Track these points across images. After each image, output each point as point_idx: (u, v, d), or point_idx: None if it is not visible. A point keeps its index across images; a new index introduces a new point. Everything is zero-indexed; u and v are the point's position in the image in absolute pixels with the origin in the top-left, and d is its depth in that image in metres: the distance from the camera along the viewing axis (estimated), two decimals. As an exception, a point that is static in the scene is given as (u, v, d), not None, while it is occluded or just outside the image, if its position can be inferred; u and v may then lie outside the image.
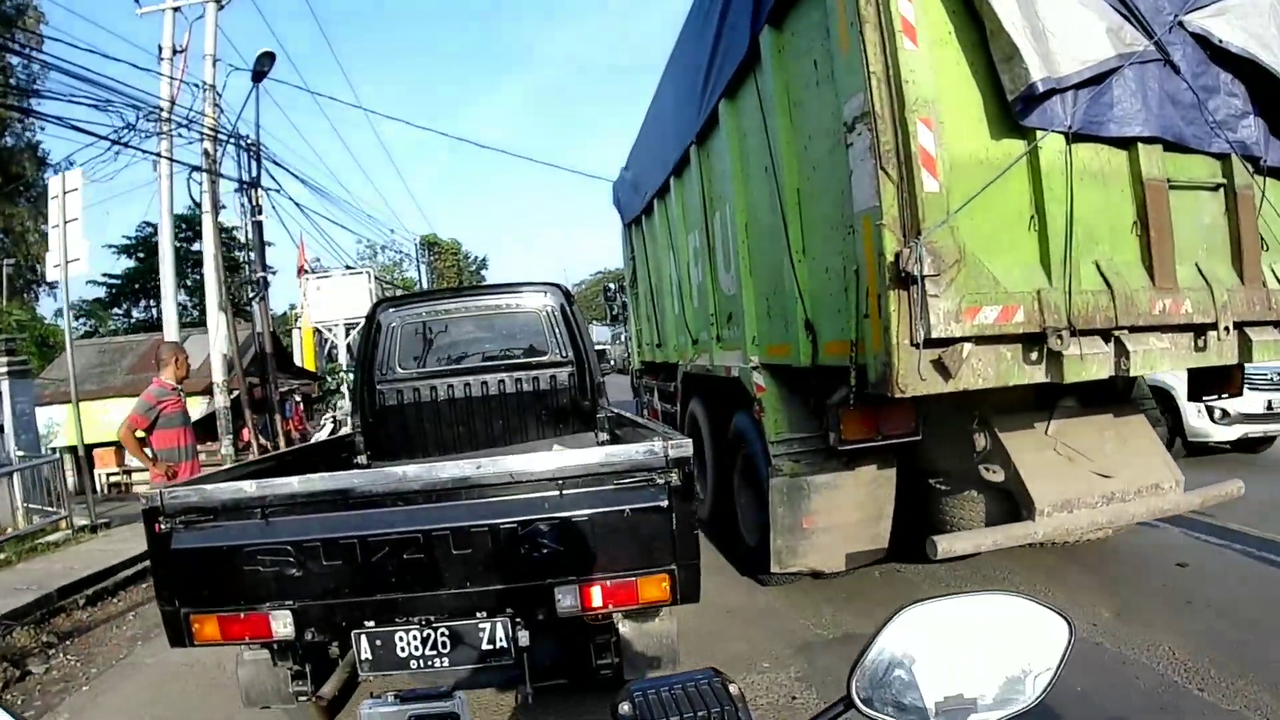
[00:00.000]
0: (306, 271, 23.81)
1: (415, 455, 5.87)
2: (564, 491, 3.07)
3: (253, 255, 15.48)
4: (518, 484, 3.13)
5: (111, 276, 31.47)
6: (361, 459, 5.82)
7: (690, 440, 3.18)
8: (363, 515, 3.07)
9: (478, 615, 3.06)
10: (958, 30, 3.72)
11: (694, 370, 7.48)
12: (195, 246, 16.83)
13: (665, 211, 8.41)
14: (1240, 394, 5.62)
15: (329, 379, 23.15)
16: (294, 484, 3.10)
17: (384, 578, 3.00)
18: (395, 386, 6.08)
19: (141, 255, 29.78)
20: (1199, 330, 4.06)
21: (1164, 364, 4.06)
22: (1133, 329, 3.79)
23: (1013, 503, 4.71)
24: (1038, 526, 4.42)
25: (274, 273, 32.88)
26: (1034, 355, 3.76)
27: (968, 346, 3.51)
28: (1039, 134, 3.70)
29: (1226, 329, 4.02)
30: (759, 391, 5.34)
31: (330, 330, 25.08)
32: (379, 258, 44.56)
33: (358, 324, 16.25)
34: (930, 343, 3.44)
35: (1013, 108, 3.66)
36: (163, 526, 3.02)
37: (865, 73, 3.58)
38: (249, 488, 3.07)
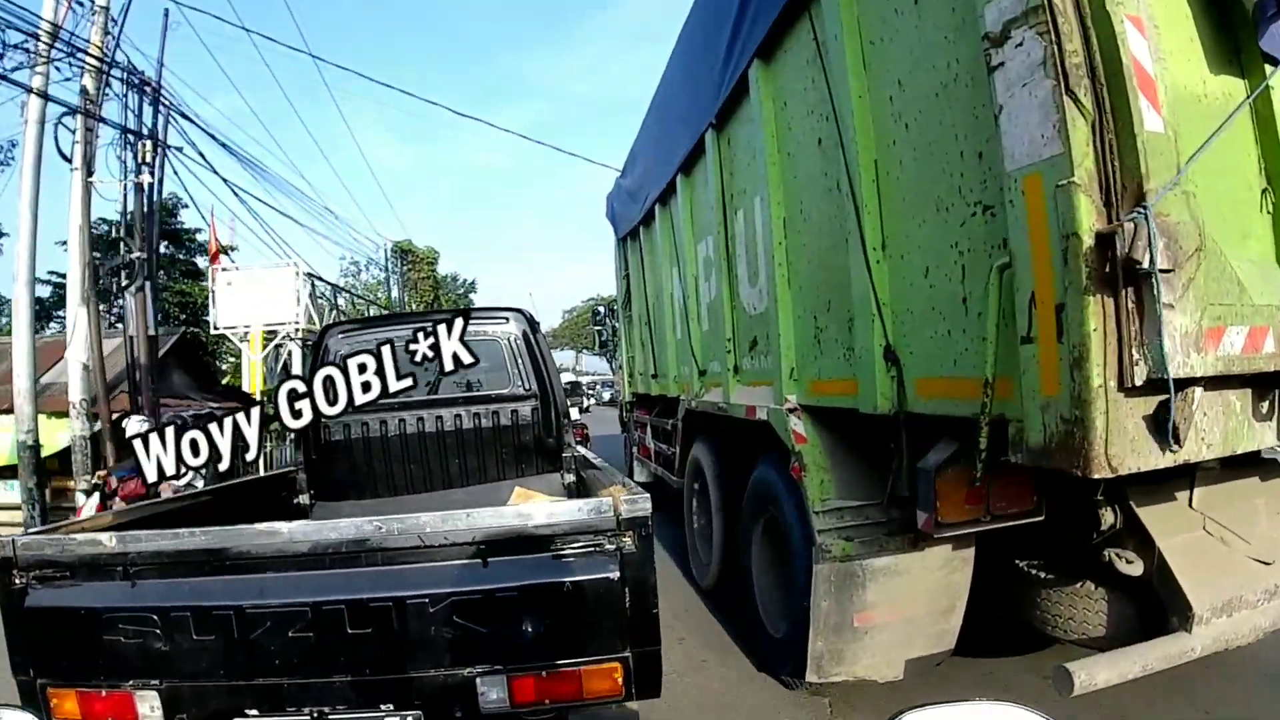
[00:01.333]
0: (225, 254, 18.71)
1: (364, 496, 5.48)
2: (488, 559, 2.61)
3: (135, 231, 11.80)
4: (430, 549, 2.64)
5: (59, 275, 28.00)
6: (303, 498, 5.41)
7: (648, 496, 2.68)
8: (240, 581, 2.63)
9: (383, 708, 2.59)
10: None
11: (700, 408, 6.06)
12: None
13: (669, 218, 7.06)
14: None
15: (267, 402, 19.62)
16: (159, 540, 2.68)
17: (267, 658, 2.56)
18: (342, 420, 5.49)
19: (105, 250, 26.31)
20: None
21: None
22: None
23: (1149, 603, 3.34)
24: (1195, 640, 3.00)
25: (181, 252, 29.27)
26: (1264, 407, 2.36)
27: (1198, 393, 2.10)
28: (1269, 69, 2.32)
29: None
30: (799, 442, 3.96)
31: (288, 339, 20.51)
32: (363, 275, 40.86)
33: (280, 332, 14.75)
34: (1151, 385, 2.02)
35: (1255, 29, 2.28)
36: (16, 581, 2.64)
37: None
38: (108, 541, 2.65)
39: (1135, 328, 2.01)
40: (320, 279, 22.56)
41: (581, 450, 5.59)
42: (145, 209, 11.57)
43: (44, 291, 27.68)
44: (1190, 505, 3.30)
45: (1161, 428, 2.12)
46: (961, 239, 2.71)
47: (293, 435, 9.31)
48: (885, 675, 3.75)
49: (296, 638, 2.51)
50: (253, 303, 15.71)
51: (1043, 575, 3.72)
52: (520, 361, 5.67)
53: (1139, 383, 2.03)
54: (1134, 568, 3.23)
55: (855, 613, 3.62)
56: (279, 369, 19.33)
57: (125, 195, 11.45)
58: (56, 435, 11.45)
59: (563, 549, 2.60)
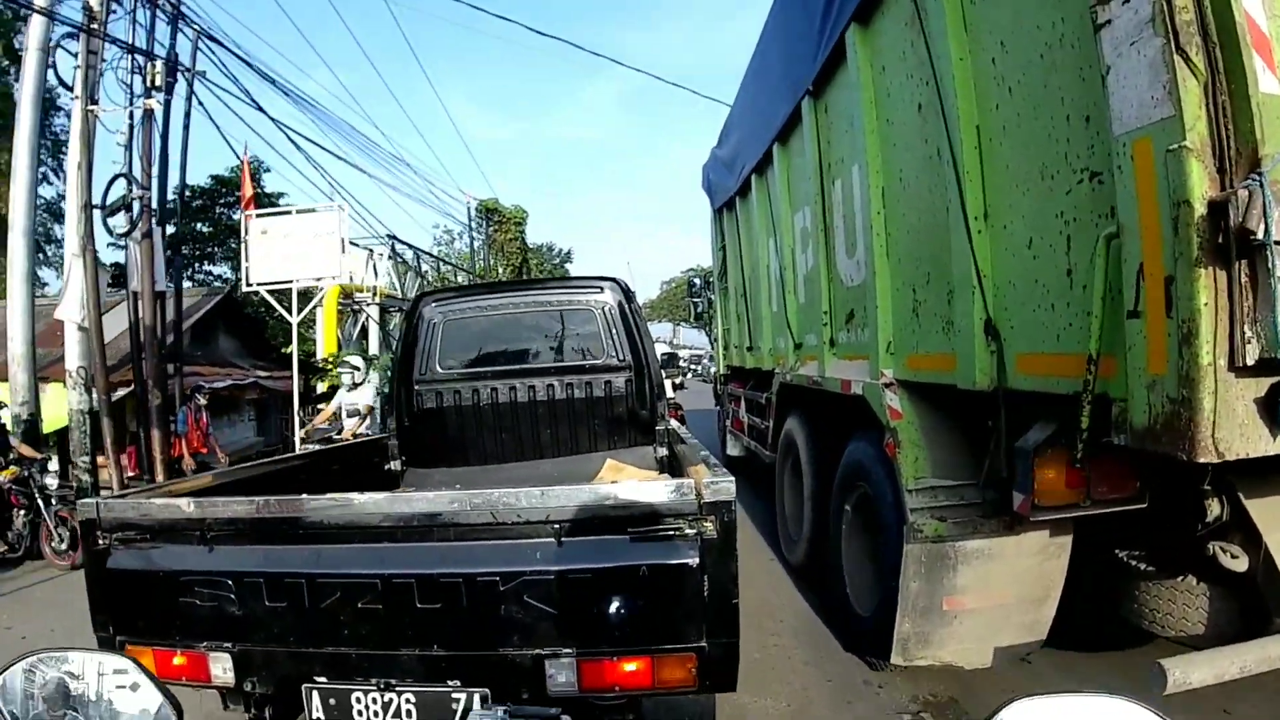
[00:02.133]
0: (270, 203, 15.74)
1: (454, 463, 5.56)
2: (563, 539, 2.53)
3: (141, 166, 10.33)
4: (503, 526, 2.59)
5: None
6: (395, 465, 5.52)
7: (732, 478, 2.56)
8: (313, 550, 2.65)
9: (449, 684, 2.55)
10: None
11: (794, 381, 6.03)
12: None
13: (765, 188, 7.06)
14: None
15: (332, 372, 17.05)
16: (234, 506, 2.72)
17: (336, 628, 2.58)
18: (435, 388, 5.60)
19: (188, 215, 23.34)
20: None
21: None
22: None
23: (1254, 601, 3.29)
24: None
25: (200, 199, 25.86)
26: None
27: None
28: None
29: None
30: (894, 418, 3.92)
31: (364, 306, 18.84)
32: (457, 244, 39.26)
33: (320, 289, 12.93)
34: (1264, 366, 1.93)
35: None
36: (100, 542, 2.73)
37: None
38: (186, 506, 2.70)
39: (1249, 303, 1.92)
40: (402, 241, 21.51)
41: (674, 424, 5.50)
42: (154, 140, 10.39)
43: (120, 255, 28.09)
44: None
45: (1274, 412, 2.02)
46: (1067, 208, 2.61)
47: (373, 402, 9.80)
48: (973, 663, 3.73)
49: (366, 609, 2.52)
50: (290, 254, 12.86)
51: (1143, 567, 3.60)
52: (615, 331, 5.59)
53: (1251, 362, 1.94)
54: (1239, 563, 3.11)
55: (945, 596, 3.58)
56: (355, 336, 18.53)
57: (132, 125, 10.09)
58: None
59: (640, 531, 2.52)
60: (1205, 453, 2.02)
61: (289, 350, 18.44)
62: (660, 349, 9.95)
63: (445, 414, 5.61)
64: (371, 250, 19.52)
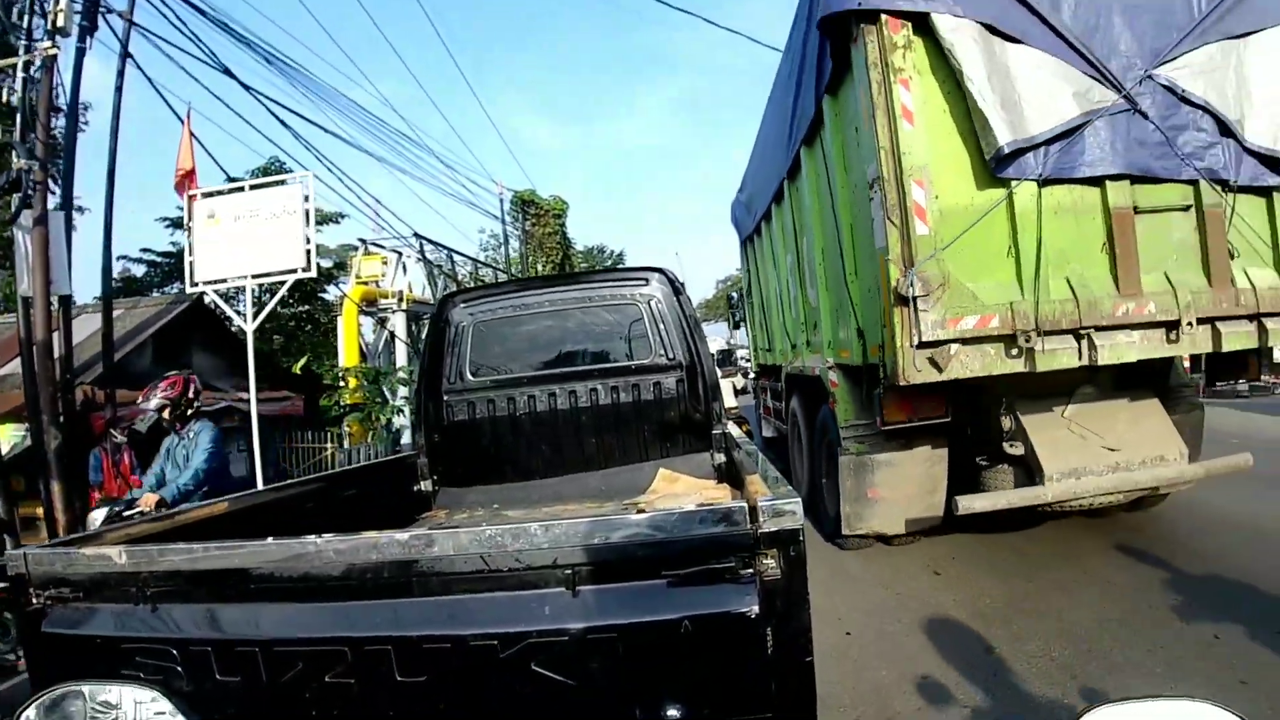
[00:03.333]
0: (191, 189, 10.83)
1: (491, 481, 5.28)
2: (578, 587, 2.09)
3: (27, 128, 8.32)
4: (499, 573, 2.14)
5: (155, 253, 26.56)
6: (425, 485, 5.25)
7: (798, 499, 2.13)
8: (269, 610, 2.27)
9: None
10: (951, 107, 5.03)
11: (793, 371, 8.88)
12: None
13: (769, 233, 9.93)
14: (1257, 378, 6.59)
15: (345, 391, 15.88)
16: (172, 557, 2.33)
17: (301, 707, 2.17)
18: (466, 398, 5.35)
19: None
20: (1170, 326, 5.16)
21: (1131, 355, 5.12)
22: (1098, 328, 4.98)
23: (1027, 470, 5.85)
24: (1046, 490, 5.54)
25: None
26: (1014, 351, 5.00)
27: (955, 346, 4.84)
28: (1014, 183, 4.96)
29: (1190, 324, 5.11)
30: (833, 386, 6.73)
31: (388, 313, 17.27)
32: (503, 249, 35.23)
33: (283, 283, 10.08)
34: (923, 345, 4.78)
35: (989, 165, 4.93)
36: (34, 601, 2.39)
37: (876, 146, 4.95)
38: (117, 557, 2.34)
39: (913, 321, 4.75)
40: (432, 241, 19.84)
41: (732, 427, 5.34)
42: (38, 98, 8.50)
43: (138, 270, 26.94)
44: (1063, 415, 5.90)
45: (934, 364, 4.84)
46: (874, 275, 5.40)
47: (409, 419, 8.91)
48: (892, 530, 6.38)
49: (334, 684, 2.13)
50: (246, 242, 9.88)
51: (984, 463, 6.29)
52: (662, 327, 5.35)
53: (917, 344, 4.75)
54: (1017, 450, 5.82)
55: (868, 488, 6.19)
56: (380, 347, 17.26)
57: (27, 77, 8.39)
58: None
59: (679, 574, 2.08)
60: (903, 381, 4.84)
61: (298, 368, 17.84)
62: (717, 344, 10.46)
63: (479, 426, 5.36)
64: (400, 253, 18.65)
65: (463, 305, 5.44)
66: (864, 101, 5.12)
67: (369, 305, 17.14)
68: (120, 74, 10.41)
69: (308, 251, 9.64)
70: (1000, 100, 4.87)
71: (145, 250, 26.60)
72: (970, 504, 5.59)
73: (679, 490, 4.89)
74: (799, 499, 2.12)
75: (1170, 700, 1.19)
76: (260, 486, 5.28)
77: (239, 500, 3.59)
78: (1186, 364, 7.67)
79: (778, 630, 2.04)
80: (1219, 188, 5.32)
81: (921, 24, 4.97)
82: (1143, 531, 6.79)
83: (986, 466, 6.24)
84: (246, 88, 11.82)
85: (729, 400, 9.28)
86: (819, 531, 7.53)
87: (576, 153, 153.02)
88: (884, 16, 4.95)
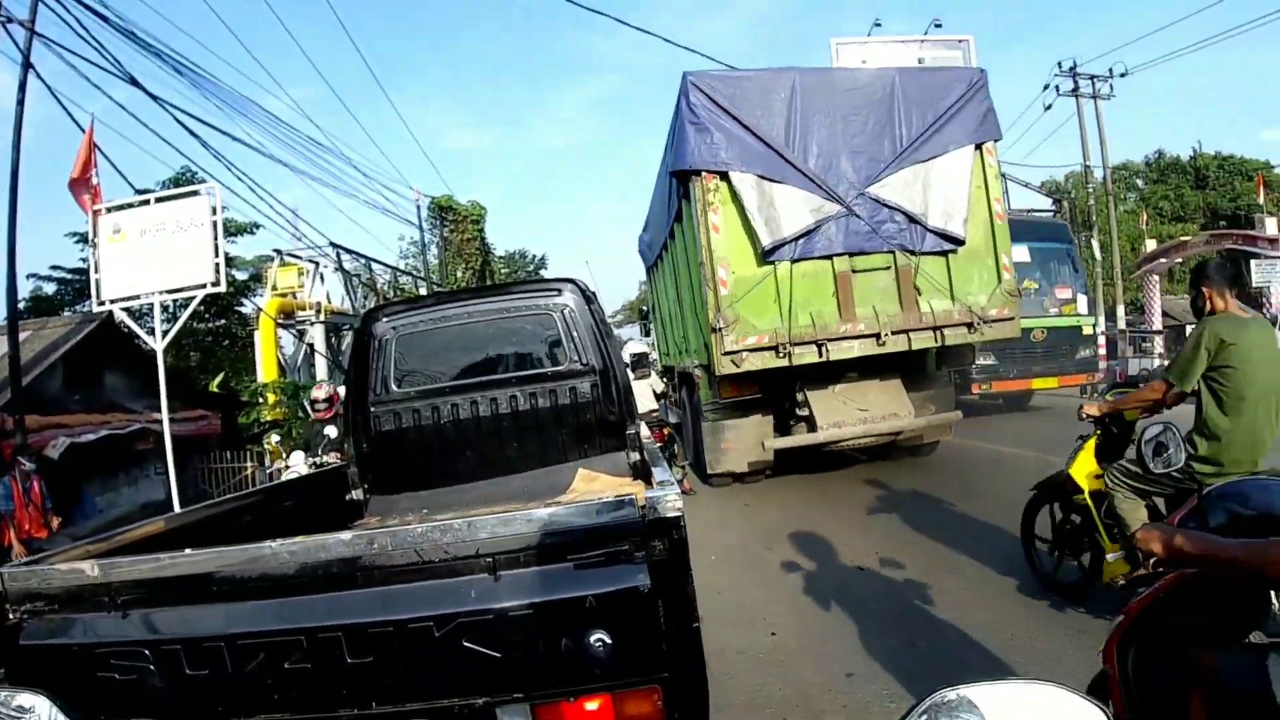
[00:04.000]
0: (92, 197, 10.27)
1: (420, 487, 5.53)
2: (498, 573, 2.42)
3: None
4: (431, 564, 2.47)
5: (65, 270, 24.66)
6: (357, 494, 5.44)
7: (678, 490, 2.62)
8: (231, 609, 2.49)
9: None
10: (740, 222, 8.97)
11: (681, 369, 12.75)
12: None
13: (661, 270, 13.87)
14: (974, 361, 10.89)
15: (264, 408, 15.75)
16: (139, 566, 2.54)
17: (264, 692, 2.41)
18: (393, 408, 5.52)
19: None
20: (875, 336, 9.13)
21: (853, 353, 9.08)
22: (829, 340, 8.96)
23: (812, 423, 9.80)
24: (820, 435, 9.55)
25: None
26: (779, 355, 8.92)
27: (745, 353, 8.78)
28: (776, 263, 8.94)
29: (888, 335, 9.08)
30: (697, 379, 10.64)
31: (306, 325, 16.91)
32: (422, 257, 35.21)
33: (194, 298, 10.12)
34: (727, 353, 8.74)
35: (761, 255, 8.92)
36: (10, 617, 2.53)
37: (700, 245, 8.93)
38: (89, 570, 2.51)
39: (721, 340, 8.70)
40: (350, 251, 19.45)
41: (644, 429, 5.72)
42: None
43: (49, 287, 25.48)
44: (834, 391, 9.91)
45: (734, 363, 8.76)
46: (704, 317, 9.27)
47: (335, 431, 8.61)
48: (739, 469, 10.27)
49: (294, 669, 2.39)
50: (153, 256, 9.69)
51: (792, 423, 10.27)
52: (576, 335, 5.51)
53: (724, 353, 8.71)
54: (804, 412, 9.82)
55: (721, 443, 10.19)
56: (299, 360, 16.96)
57: None
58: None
59: (583, 558, 2.44)
60: (719, 372, 8.85)
61: (215, 385, 17.11)
62: (635, 347, 12.18)
63: (406, 435, 5.51)
64: (317, 263, 18.15)
65: (386, 319, 5.51)
66: (694, 219, 9.10)
67: (286, 318, 16.53)
68: (22, 85, 10.34)
69: (217, 265, 9.50)
70: (765, 218, 8.83)
71: (55, 268, 25.05)
72: (774, 444, 9.62)
73: (598, 488, 4.95)
74: (678, 490, 2.58)
75: (1022, 682, 1.23)
76: (177, 509, 5.14)
77: (174, 520, 3.75)
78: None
79: (667, 601, 2.39)
80: (909, 254, 9.30)
81: (724, 176, 8.92)
82: None
83: (794, 423, 10.23)
84: (154, 98, 11.62)
85: (650, 404, 10.55)
86: (701, 479, 11.32)
87: (494, 157, 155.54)
88: (703, 173, 8.92)
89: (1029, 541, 5.82)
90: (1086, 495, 5.20)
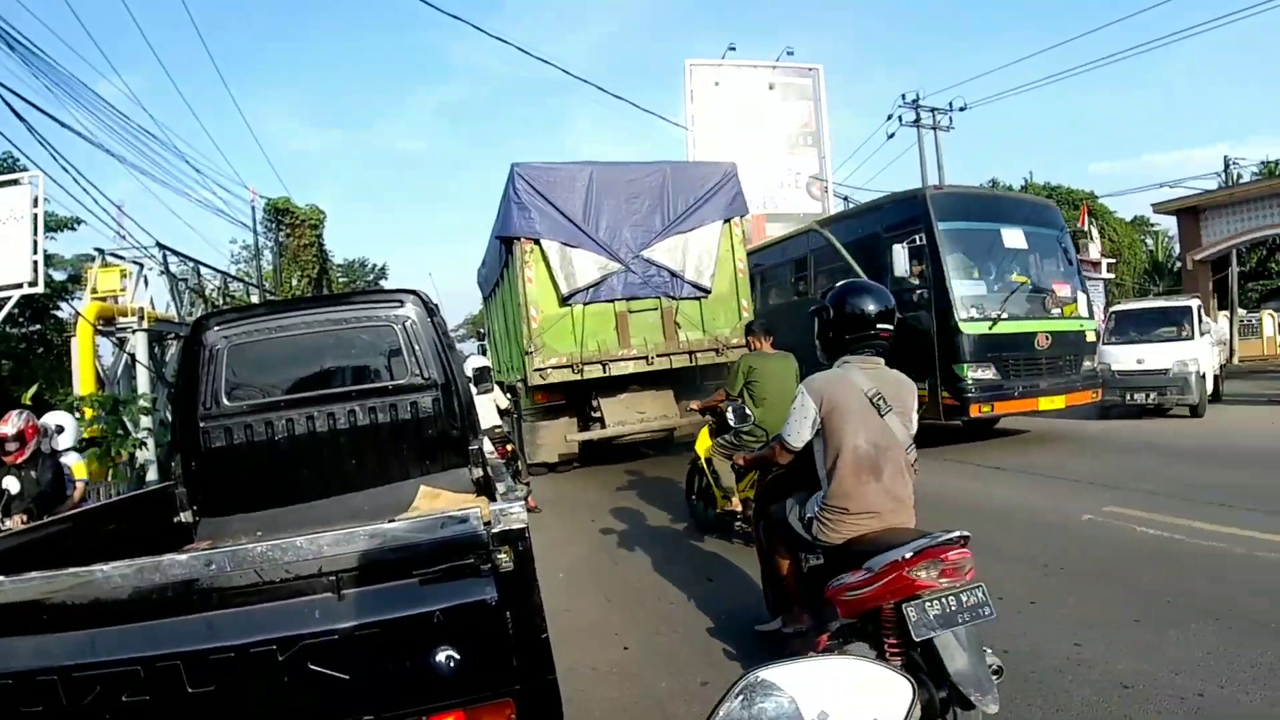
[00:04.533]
0: None
1: (254, 507, 5.17)
2: (342, 591, 2.41)
3: None
4: (273, 584, 2.43)
5: None
6: (185, 516, 5.06)
7: (522, 502, 2.64)
8: (62, 640, 2.36)
9: None
10: (548, 276, 12.54)
11: (509, 383, 16.06)
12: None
13: (495, 301, 17.27)
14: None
15: (80, 423, 13.00)
16: None
17: None
18: (224, 424, 5.17)
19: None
20: (644, 358, 12.86)
21: (628, 370, 12.75)
22: (610, 360, 12.64)
23: (604, 423, 13.51)
24: (608, 430, 13.22)
25: None
26: (573, 372, 12.53)
27: (550, 370, 12.35)
28: (572, 306, 12.57)
29: (653, 358, 12.82)
30: (519, 390, 14.14)
31: (128, 333, 15.43)
32: (256, 262, 33.27)
33: (9, 299, 9.74)
34: (536, 370, 12.30)
35: (561, 300, 12.55)
36: None
37: (517, 290, 12.51)
38: None
39: (533, 361, 12.24)
40: (176, 253, 18.56)
41: (488, 444, 5.76)
42: None
43: None
44: (619, 398, 13.59)
45: (544, 376, 12.31)
46: (520, 339, 12.85)
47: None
48: (551, 459, 13.80)
49: (132, 703, 2.26)
50: None
51: (590, 423, 13.90)
52: (418, 348, 5.36)
53: (533, 369, 12.24)
54: (597, 414, 13.51)
55: (536, 439, 13.70)
56: (119, 372, 15.62)
57: None
58: None
59: (428, 573, 2.44)
60: (533, 383, 12.39)
61: (27, 398, 14.24)
62: (478, 361, 12.09)
63: (238, 452, 5.16)
64: (142, 265, 17.18)
65: (217, 327, 5.19)
66: (515, 271, 12.66)
67: (106, 324, 15.12)
68: None
69: (35, 263, 8.80)
70: (564, 274, 12.42)
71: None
72: (575, 437, 13.23)
73: (440, 506, 4.77)
74: (524, 503, 2.61)
75: (827, 658, 1.27)
76: None
77: (6, 538, 3.52)
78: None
79: (515, 613, 2.43)
80: (671, 299, 13.09)
81: (536, 242, 12.48)
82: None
83: (592, 421, 13.85)
84: None
85: (494, 419, 10.62)
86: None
87: (336, 160, 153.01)
88: (521, 238, 12.47)
89: (689, 498, 8.84)
90: (703, 461, 8.17)
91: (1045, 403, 12.46)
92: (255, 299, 26.53)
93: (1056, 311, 13.02)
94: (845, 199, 32.96)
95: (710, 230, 13.44)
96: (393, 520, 2.66)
